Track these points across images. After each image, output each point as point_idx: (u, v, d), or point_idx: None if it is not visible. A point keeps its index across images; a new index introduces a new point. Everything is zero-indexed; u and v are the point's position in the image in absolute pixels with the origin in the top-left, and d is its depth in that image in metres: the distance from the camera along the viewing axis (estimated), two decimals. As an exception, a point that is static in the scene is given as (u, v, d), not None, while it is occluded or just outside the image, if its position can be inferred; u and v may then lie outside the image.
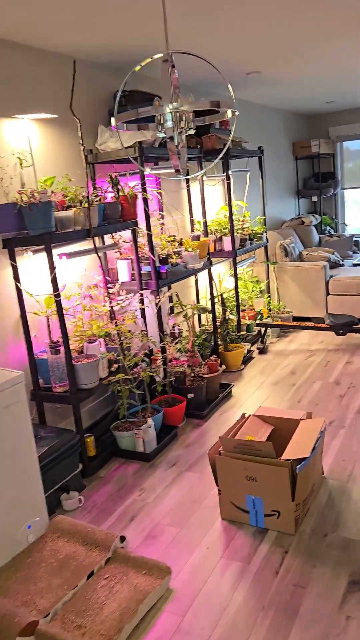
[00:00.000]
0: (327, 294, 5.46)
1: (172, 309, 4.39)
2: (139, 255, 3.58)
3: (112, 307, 3.10)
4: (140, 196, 3.39)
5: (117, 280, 3.62)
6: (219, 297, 4.45)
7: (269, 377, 4.24)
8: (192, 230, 4.78)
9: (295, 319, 5.64)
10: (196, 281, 4.88)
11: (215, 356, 3.94)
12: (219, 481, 2.47)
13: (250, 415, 2.78)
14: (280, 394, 3.88)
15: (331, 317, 4.71)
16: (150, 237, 3.44)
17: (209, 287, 4.33)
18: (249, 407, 3.71)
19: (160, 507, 2.64)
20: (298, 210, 7.83)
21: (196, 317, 4.82)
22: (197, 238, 4.05)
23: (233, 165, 5.50)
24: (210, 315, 4.63)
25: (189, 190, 4.71)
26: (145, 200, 3.39)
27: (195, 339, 4.13)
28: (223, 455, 2.44)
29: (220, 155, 2.67)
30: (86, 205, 2.94)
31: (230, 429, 2.66)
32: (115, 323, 3.13)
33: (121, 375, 3.07)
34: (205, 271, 4.82)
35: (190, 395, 3.60)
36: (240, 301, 5.41)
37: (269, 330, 5.05)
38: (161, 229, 4.02)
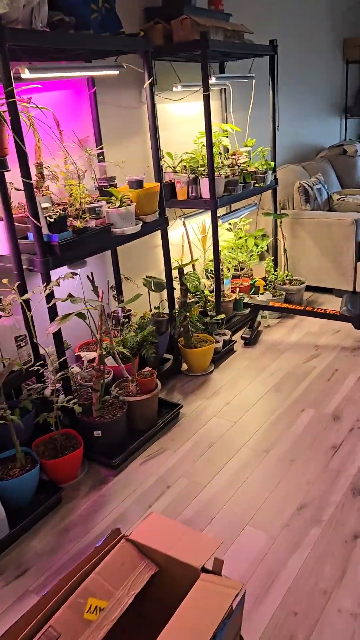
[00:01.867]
0: (358, 259, 3.93)
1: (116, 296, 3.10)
2: (20, 217, 2.26)
3: None
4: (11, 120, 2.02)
5: (-6, 251, 2.34)
6: (189, 264, 3.08)
7: (243, 391, 2.93)
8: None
9: (310, 289, 4.19)
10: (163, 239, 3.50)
11: (149, 368, 2.65)
12: None
13: (122, 536, 1.55)
14: (246, 429, 2.59)
15: (350, 303, 3.25)
16: (29, 187, 2.10)
17: (163, 255, 2.96)
18: (191, 454, 2.46)
19: None
20: (344, 135, 6.05)
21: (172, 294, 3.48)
22: (137, 184, 2.64)
23: (230, 69, 3.88)
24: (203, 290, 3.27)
25: (153, 107, 3.22)
26: (15, 125, 2.01)
27: (134, 335, 2.84)
28: (14, 661, 1.25)
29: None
30: None
31: (77, 567, 1.44)
32: None
33: None
34: (181, 227, 3.44)
35: (97, 434, 2.38)
36: (238, 264, 4.01)
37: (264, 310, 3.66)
38: (85, 171, 2.63)
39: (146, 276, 3.16)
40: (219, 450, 2.45)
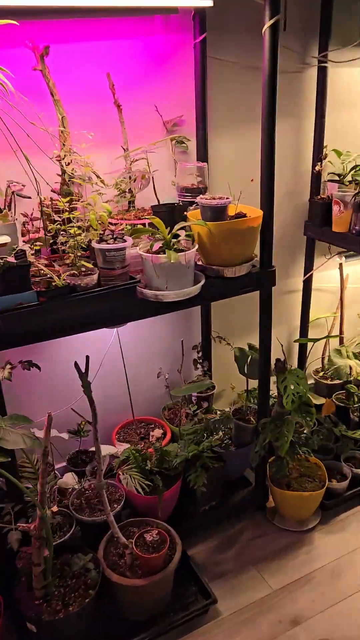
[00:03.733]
0: None
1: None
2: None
3: None
4: None
5: None
6: (321, 340, 1.82)
7: (351, 598, 1.62)
8: (316, 174, 2.05)
9: None
10: (305, 286, 2.24)
11: (158, 532, 1.52)
12: None
13: None
14: None
15: None
16: None
17: (260, 328, 1.73)
18: None
19: None
20: None
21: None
22: (212, 212, 1.46)
23: None
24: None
25: (321, 72, 1.91)
26: None
27: (176, 450, 1.75)
28: None
29: None
30: None
31: None
32: None
33: None
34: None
35: (31, 628, 1.41)
36: None
37: None
38: (144, 176, 1.56)
39: (249, 345, 1.99)
40: None
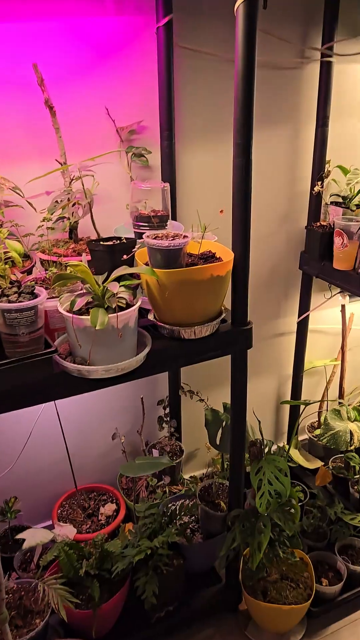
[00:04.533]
0: None
1: None
2: None
3: None
4: None
5: None
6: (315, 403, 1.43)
7: None
8: (316, 195, 1.66)
9: None
10: (299, 328, 1.85)
11: None
12: None
13: None
14: None
15: None
16: None
17: (233, 401, 1.34)
18: None
19: None
20: None
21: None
22: (163, 255, 1.07)
23: None
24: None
25: (325, 68, 1.52)
26: None
27: (120, 550, 1.37)
28: None
29: None
30: None
31: None
32: None
33: None
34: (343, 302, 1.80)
35: None
36: None
37: None
38: (83, 204, 1.18)
39: (225, 405, 1.61)
40: None
